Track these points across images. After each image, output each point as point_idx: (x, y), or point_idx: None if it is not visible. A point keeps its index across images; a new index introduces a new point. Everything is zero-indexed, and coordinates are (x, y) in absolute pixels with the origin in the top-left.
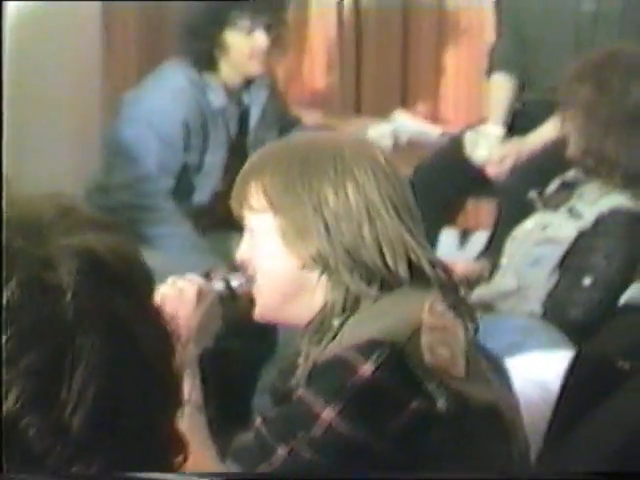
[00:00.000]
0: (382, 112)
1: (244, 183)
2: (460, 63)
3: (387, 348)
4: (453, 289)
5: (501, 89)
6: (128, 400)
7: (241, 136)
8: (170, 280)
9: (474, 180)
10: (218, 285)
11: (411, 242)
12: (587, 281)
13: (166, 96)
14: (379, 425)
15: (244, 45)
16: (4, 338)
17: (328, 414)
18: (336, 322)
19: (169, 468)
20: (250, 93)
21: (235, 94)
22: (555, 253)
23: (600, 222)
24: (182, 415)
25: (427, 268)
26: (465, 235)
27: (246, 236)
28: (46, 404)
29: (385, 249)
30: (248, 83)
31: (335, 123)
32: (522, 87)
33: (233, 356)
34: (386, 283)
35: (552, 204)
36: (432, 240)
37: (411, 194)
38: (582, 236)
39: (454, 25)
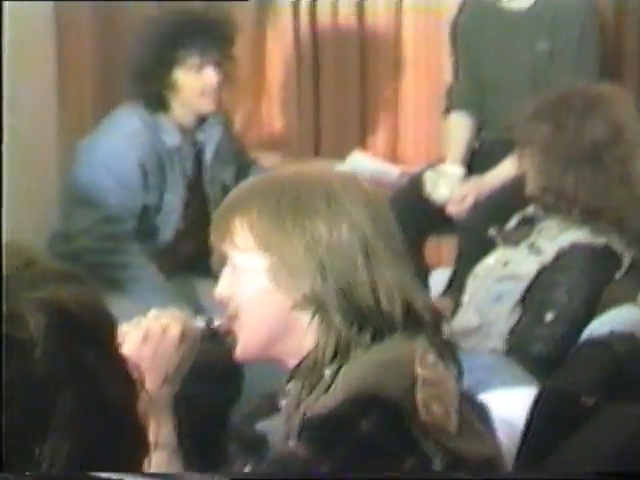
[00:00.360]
0: (341, 153)
1: (226, 220)
2: (419, 103)
3: (384, 405)
4: (440, 332)
5: (459, 128)
6: (100, 451)
7: (198, 174)
8: (136, 320)
9: (435, 218)
10: (200, 323)
11: (407, 283)
12: (549, 316)
13: (121, 139)
14: None
15: (194, 83)
16: None
17: (326, 470)
18: (328, 372)
19: None
20: (204, 131)
21: (189, 133)
22: (517, 289)
23: (560, 257)
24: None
25: (423, 312)
26: (422, 272)
27: (227, 272)
28: (25, 462)
29: (380, 290)
30: (201, 121)
31: (294, 165)
32: (480, 126)
33: (200, 399)
34: (379, 327)
35: (512, 240)
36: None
37: (399, 232)
38: (543, 271)
39: (412, 65)
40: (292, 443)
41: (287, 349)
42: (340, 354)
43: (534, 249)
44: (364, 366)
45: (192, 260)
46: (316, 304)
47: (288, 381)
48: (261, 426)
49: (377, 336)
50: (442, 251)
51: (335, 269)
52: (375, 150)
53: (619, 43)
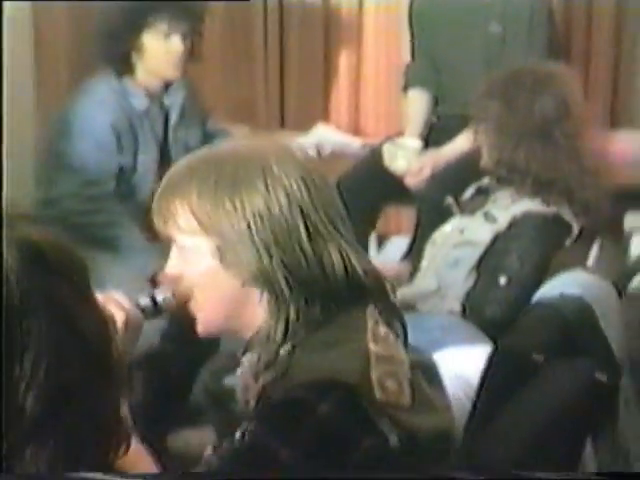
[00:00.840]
0: (305, 126)
1: (167, 201)
2: (379, 79)
3: (341, 388)
4: (385, 296)
5: (417, 104)
6: (75, 378)
7: (166, 136)
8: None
9: (394, 188)
10: (144, 301)
11: (348, 251)
12: (502, 280)
13: (92, 105)
14: (333, 465)
15: (161, 49)
16: None
17: (286, 454)
18: (282, 351)
19: (112, 451)
20: (169, 95)
21: (156, 97)
22: (472, 255)
23: (513, 225)
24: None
25: (365, 279)
26: (383, 240)
27: (174, 251)
28: (2, 384)
29: (325, 261)
30: (167, 87)
31: (261, 137)
32: (437, 102)
33: (172, 357)
34: (327, 299)
35: (468, 209)
36: (364, 245)
37: (340, 200)
38: (497, 238)
39: (373, 43)
40: (253, 425)
41: (243, 322)
42: (292, 330)
43: (489, 218)
44: (319, 345)
45: None
46: (263, 280)
47: (243, 353)
48: (228, 381)
49: (326, 309)
50: (401, 219)
51: (279, 244)
52: (338, 123)
53: (567, 26)
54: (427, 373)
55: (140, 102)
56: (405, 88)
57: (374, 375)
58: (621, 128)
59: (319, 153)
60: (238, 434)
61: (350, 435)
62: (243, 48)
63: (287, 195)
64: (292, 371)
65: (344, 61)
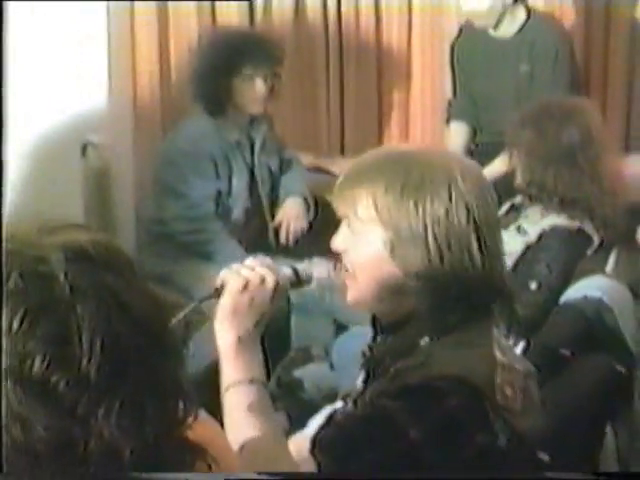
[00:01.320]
0: (361, 152)
1: (352, 186)
2: (425, 112)
3: (470, 387)
4: (512, 303)
5: (458, 134)
6: (129, 353)
7: (253, 163)
8: (235, 266)
9: None
10: (287, 271)
11: (500, 268)
12: (533, 285)
13: (194, 140)
14: (451, 454)
15: (247, 89)
16: (18, 317)
17: (414, 434)
18: (423, 343)
19: (178, 420)
20: (254, 128)
21: (244, 130)
22: (507, 263)
23: (542, 237)
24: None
25: (501, 283)
26: None
27: (344, 228)
28: (67, 361)
29: (484, 273)
30: (252, 121)
31: (324, 163)
32: (475, 132)
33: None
34: (468, 304)
35: (503, 223)
36: None
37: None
38: (528, 249)
39: (421, 79)
40: (384, 400)
41: (390, 308)
42: (435, 325)
43: (521, 231)
44: (452, 345)
45: (259, 236)
46: (427, 277)
47: (375, 335)
48: (298, 373)
49: (466, 313)
50: None
51: (450, 249)
52: None
53: (586, 63)
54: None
55: (232, 135)
56: (448, 121)
57: (498, 381)
58: (634, 153)
59: None
60: (350, 403)
61: (468, 430)
62: (309, 87)
63: (467, 209)
64: (429, 362)
65: (395, 96)
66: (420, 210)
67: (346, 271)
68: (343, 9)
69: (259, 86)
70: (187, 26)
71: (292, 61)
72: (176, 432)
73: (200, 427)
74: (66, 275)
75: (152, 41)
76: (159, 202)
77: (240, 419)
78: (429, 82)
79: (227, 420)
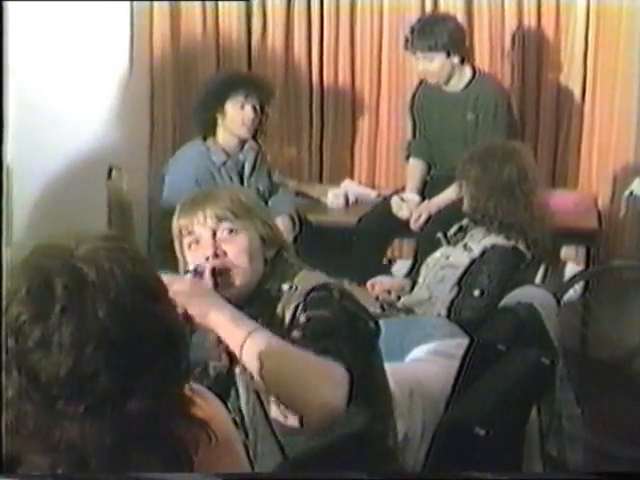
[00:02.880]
0: (337, 180)
1: (200, 206)
2: (390, 148)
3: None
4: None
5: (415, 169)
6: (106, 358)
7: (241, 184)
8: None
9: (399, 227)
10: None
11: None
12: (476, 293)
13: (182, 165)
14: None
15: (237, 115)
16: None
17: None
18: (285, 287)
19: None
20: (243, 153)
21: (233, 154)
22: (455, 274)
23: (484, 253)
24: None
25: None
26: (392, 262)
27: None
28: (1, 387)
29: None
30: (241, 147)
31: (305, 188)
32: (430, 167)
33: None
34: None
35: (452, 241)
36: (369, 266)
37: None
38: (472, 263)
39: (386, 121)
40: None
41: None
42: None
43: (467, 248)
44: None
45: None
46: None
47: None
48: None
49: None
50: (404, 249)
51: None
52: (360, 179)
53: (521, 113)
54: None
55: (219, 158)
56: (407, 157)
57: None
58: (559, 188)
59: (347, 200)
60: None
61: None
62: (294, 122)
63: None
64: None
65: (365, 134)
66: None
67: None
68: (324, 62)
69: (248, 112)
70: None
71: (281, 104)
72: (178, 394)
73: (203, 403)
74: (60, 294)
75: (169, 72)
76: (161, 218)
77: (273, 351)
78: (394, 125)
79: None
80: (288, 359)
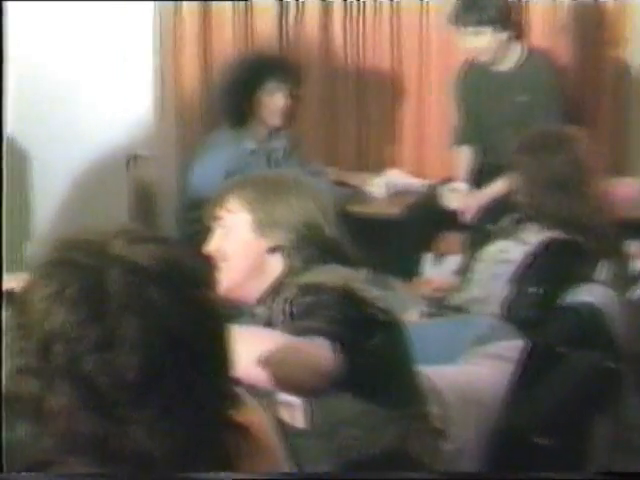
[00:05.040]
0: (379, 169)
1: (221, 197)
2: (436, 136)
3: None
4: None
5: (464, 157)
6: (167, 365)
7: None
8: None
9: (448, 219)
10: None
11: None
12: (533, 290)
13: (211, 153)
14: None
15: (268, 102)
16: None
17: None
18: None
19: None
20: (276, 140)
21: (263, 141)
22: (509, 270)
23: (541, 248)
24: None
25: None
26: (440, 258)
27: (217, 232)
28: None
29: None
30: (271, 134)
31: (345, 177)
32: (480, 154)
33: None
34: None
35: (506, 234)
36: (416, 261)
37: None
38: (528, 258)
39: (437, 112)
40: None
41: (253, 289)
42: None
43: (522, 241)
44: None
45: None
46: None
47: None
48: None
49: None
50: (453, 242)
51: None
52: (404, 167)
53: (579, 94)
54: None
55: (248, 145)
56: (454, 144)
57: None
58: (623, 176)
59: (391, 190)
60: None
61: None
62: (332, 108)
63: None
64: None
65: (410, 119)
66: (278, 197)
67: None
68: (364, 44)
69: (280, 99)
70: (228, 43)
71: (319, 89)
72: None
73: (243, 407)
74: (116, 289)
75: (195, 56)
76: (190, 207)
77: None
78: (440, 109)
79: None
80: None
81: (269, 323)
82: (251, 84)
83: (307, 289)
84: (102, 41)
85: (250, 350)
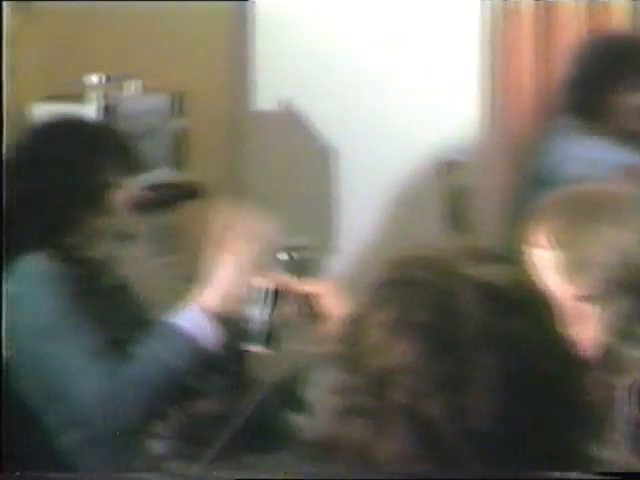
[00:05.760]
0: None
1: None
2: None
3: None
4: None
5: None
6: (527, 417)
7: None
8: None
9: None
10: None
11: None
12: None
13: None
14: None
15: (631, 102)
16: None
17: None
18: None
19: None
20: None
21: (624, 148)
22: None
23: None
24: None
25: None
26: None
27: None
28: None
29: None
30: (627, 140)
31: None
32: None
33: None
34: None
35: None
36: None
37: None
38: None
39: None
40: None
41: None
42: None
43: None
44: None
45: None
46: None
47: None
48: None
49: None
50: None
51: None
52: None
53: None
54: None
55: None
56: None
57: None
58: None
59: None
60: None
61: None
62: None
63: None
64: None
65: None
66: (594, 234)
67: None
68: None
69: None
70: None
71: None
72: None
73: None
74: (472, 315)
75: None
76: None
77: None
78: None
79: None
80: None
81: None
82: (603, 81)
83: None
84: (425, 31)
85: None
